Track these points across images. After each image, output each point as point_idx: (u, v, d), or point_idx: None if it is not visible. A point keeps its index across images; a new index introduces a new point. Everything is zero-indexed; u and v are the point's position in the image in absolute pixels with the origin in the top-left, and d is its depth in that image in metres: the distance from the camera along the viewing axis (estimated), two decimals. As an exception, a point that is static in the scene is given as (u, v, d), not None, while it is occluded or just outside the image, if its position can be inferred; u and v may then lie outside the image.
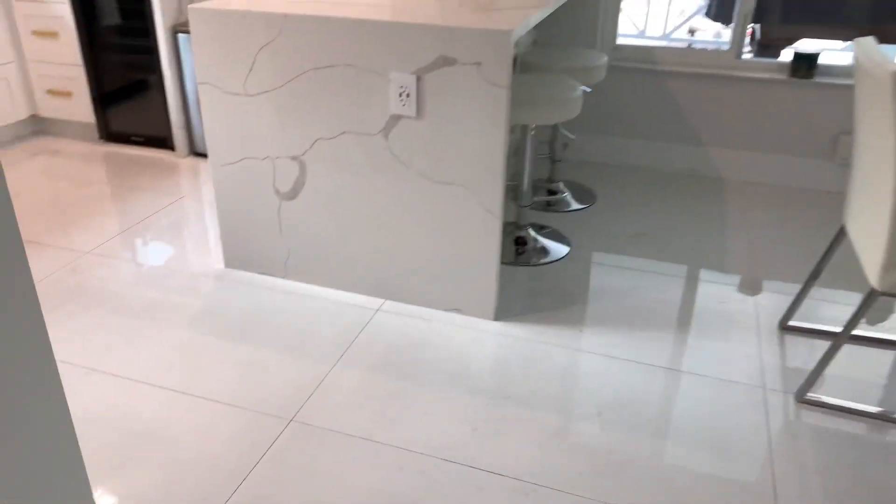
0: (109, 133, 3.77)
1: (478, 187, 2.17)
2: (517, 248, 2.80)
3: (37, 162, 3.59)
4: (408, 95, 2.12)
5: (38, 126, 3.99)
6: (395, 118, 2.17)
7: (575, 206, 3.21)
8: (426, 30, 2.03)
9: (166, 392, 1.98)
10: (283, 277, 2.55)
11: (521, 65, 3.02)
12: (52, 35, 3.59)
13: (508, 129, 2.11)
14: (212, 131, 2.39)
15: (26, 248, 2.72)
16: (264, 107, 2.29)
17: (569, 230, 2.96)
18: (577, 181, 3.45)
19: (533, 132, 2.65)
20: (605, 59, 2.99)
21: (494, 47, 1.99)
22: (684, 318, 2.37)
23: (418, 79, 2.09)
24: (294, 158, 2.34)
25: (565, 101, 2.43)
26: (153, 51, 3.46)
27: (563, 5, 3.39)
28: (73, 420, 1.86)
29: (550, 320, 2.34)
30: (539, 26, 3.44)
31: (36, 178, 3.38)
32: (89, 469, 1.71)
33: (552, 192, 3.28)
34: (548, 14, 2.43)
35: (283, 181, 2.39)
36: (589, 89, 3.28)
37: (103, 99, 3.68)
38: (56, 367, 0.96)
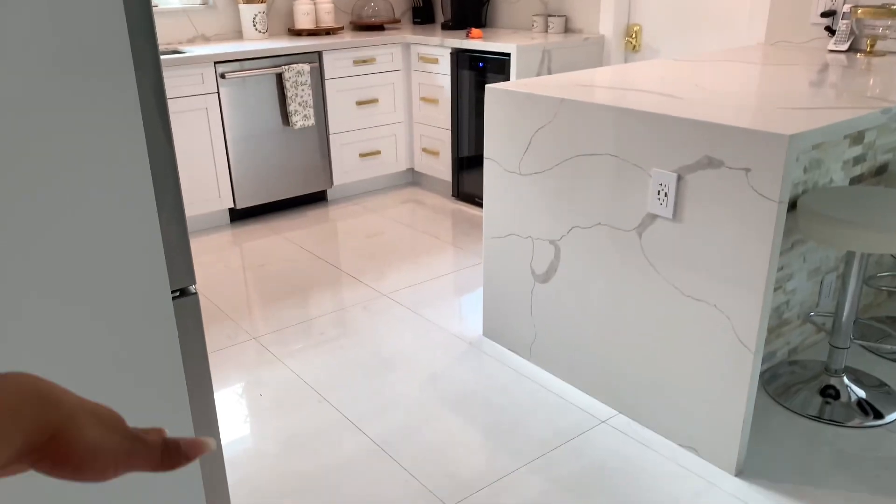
0: (461, 192, 4.15)
1: (732, 311, 1.80)
2: (824, 400, 2.23)
3: (404, 208, 4.13)
4: (666, 195, 1.87)
5: (412, 178, 4.60)
6: (651, 217, 1.93)
7: (945, 363, 2.43)
8: (692, 126, 1.77)
9: (367, 441, 2.07)
10: (528, 359, 2.47)
11: (889, 178, 2.43)
12: (434, 102, 4.12)
13: (777, 250, 1.71)
14: (489, 205, 2.45)
15: (348, 282, 3.14)
16: (533, 188, 2.27)
17: (905, 393, 2.25)
18: (955, 332, 2.60)
19: (861, 259, 2.09)
20: None
21: (767, 153, 1.64)
22: None
23: (679, 178, 1.84)
24: (551, 242, 2.26)
25: (903, 227, 1.87)
26: (505, 122, 3.71)
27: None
28: (277, 438, 2.08)
29: (820, 503, 1.80)
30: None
31: (398, 222, 3.89)
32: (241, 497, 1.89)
33: (911, 339, 2.54)
34: (880, 122, 1.90)
35: (539, 263, 2.32)
36: None
37: (460, 162, 4.08)
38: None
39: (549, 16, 3.95)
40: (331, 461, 1.99)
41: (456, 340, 2.62)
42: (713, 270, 1.82)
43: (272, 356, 2.53)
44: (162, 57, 3.38)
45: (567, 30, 3.97)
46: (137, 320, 1.16)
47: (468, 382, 2.35)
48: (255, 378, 2.41)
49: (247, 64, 3.65)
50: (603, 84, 2.28)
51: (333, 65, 3.95)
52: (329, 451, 2.04)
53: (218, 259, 3.41)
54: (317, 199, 4.25)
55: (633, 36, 3.72)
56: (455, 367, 2.44)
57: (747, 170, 1.69)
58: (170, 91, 3.44)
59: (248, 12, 4.04)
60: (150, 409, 1.20)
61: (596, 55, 3.82)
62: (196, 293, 1.31)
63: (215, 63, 3.55)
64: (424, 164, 4.35)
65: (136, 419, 1.18)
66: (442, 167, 4.21)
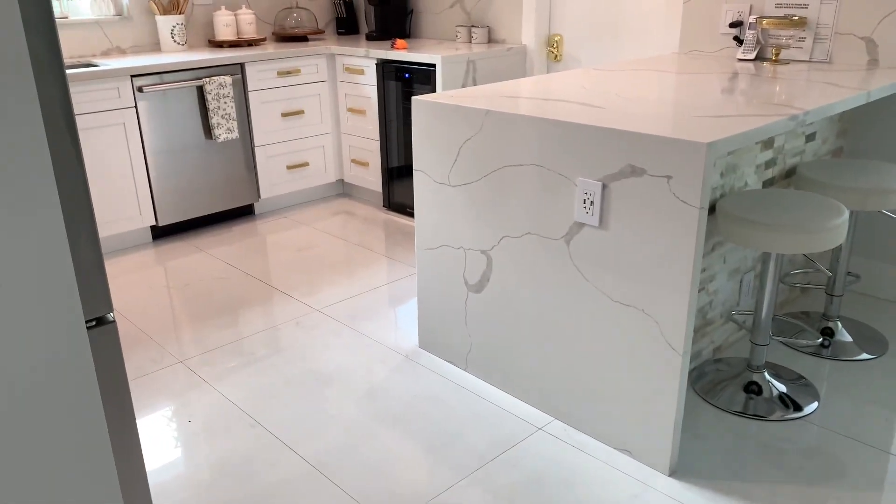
0: (392, 203, 4.13)
1: (659, 315, 1.85)
2: (747, 396, 2.31)
3: (335, 220, 4.08)
4: (591, 203, 1.91)
5: (342, 189, 4.56)
6: (578, 225, 1.97)
7: (858, 354, 2.55)
8: (615, 135, 1.82)
9: (303, 464, 2.03)
10: (464, 370, 2.47)
11: (797, 180, 2.54)
12: (361, 112, 4.09)
13: (700, 254, 1.76)
14: (420, 216, 2.45)
15: (279, 298, 3.08)
16: (463, 198, 2.27)
17: (834, 383, 2.36)
18: (865, 322, 2.75)
19: (776, 259, 2.18)
20: (912, 179, 2.36)
21: (686, 161, 1.69)
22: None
23: (604, 186, 1.88)
24: (483, 252, 2.27)
25: (815, 229, 1.96)
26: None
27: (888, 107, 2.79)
28: (209, 465, 2.01)
29: (750, 496, 1.86)
30: (849, 134, 2.87)
31: (329, 235, 3.83)
32: (203, 517, 1.82)
33: (827, 333, 2.66)
34: (793, 125, 2.00)
35: (471, 273, 2.33)
36: (893, 215, 2.62)
37: (390, 172, 4.06)
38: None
39: (473, 26, 3.98)
40: (265, 486, 1.94)
41: (392, 354, 2.60)
42: (640, 276, 1.86)
43: (200, 379, 2.45)
44: (75, 70, 3.24)
45: (490, 40, 4.02)
46: (49, 355, 1.09)
47: (405, 396, 2.34)
48: (183, 403, 2.32)
49: (166, 77, 3.54)
50: (527, 95, 2.31)
51: (256, 76, 3.88)
52: (263, 475, 1.98)
53: (140, 279, 3.29)
54: (244, 213, 4.15)
55: (555, 46, 3.80)
56: (392, 381, 2.42)
57: (669, 177, 1.74)
58: (84, 106, 3.30)
59: (165, 24, 3.93)
60: (68, 449, 1.14)
61: (519, 65, 3.88)
62: (114, 321, 1.26)
63: (132, 76, 3.43)
64: (354, 175, 4.31)
65: (51, 461, 1.11)
66: (372, 178, 4.19)
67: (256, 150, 3.98)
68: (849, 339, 2.62)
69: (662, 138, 1.72)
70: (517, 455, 2.04)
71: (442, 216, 2.37)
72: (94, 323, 1.25)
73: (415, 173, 2.41)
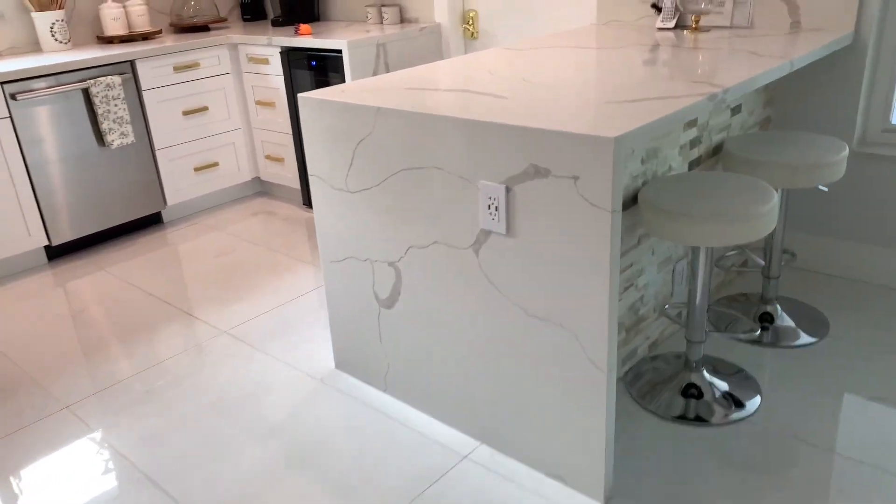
0: (311, 200, 3.87)
1: (579, 330, 1.66)
2: (686, 400, 2.14)
3: (253, 222, 3.80)
4: (496, 208, 1.70)
5: (260, 188, 4.27)
6: (486, 233, 1.76)
7: (800, 338, 2.42)
8: (514, 132, 1.60)
9: (197, 519, 1.80)
10: (384, 391, 2.26)
11: (725, 157, 2.37)
12: (271, 105, 3.80)
13: (617, 262, 1.57)
14: (321, 226, 2.21)
15: (182, 321, 2.81)
16: (363, 206, 2.04)
17: (776, 373, 2.21)
18: (804, 302, 2.62)
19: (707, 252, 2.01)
20: (844, 151, 2.21)
21: (593, 158, 1.49)
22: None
23: (508, 189, 1.67)
24: (390, 264, 2.05)
25: (743, 218, 1.79)
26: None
27: (814, 74, 2.63)
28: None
29: (683, 516, 1.70)
30: (776, 103, 2.71)
31: (245, 240, 3.55)
32: None
33: (766, 318, 2.51)
34: (712, 105, 1.81)
35: (381, 287, 2.11)
36: (825, 188, 2.48)
37: (306, 167, 3.79)
38: None
39: (383, 5, 3.71)
40: (153, 554, 1.71)
41: (305, 378, 2.37)
42: (554, 288, 1.67)
43: (85, 427, 2.19)
44: (-70, 82, 2.88)
45: (403, 20, 3.75)
46: None
47: (317, 429, 2.11)
48: (62, 461, 2.06)
49: (43, 81, 3.19)
50: (426, 85, 2.08)
51: (150, 73, 3.55)
52: (151, 541, 1.75)
53: (30, 308, 2.98)
54: (151, 222, 3.84)
55: (470, 22, 3.56)
56: (303, 412, 2.19)
57: (575, 177, 1.54)
58: (-53, 121, 2.94)
59: (43, 21, 3.56)
60: None
61: (434, 45, 3.63)
62: None
63: (2, 84, 3.07)
64: (271, 173, 4.03)
65: None
66: (289, 174, 3.91)
67: (158, 153, 3.66)
68: (789, 322, 2.48)
69: (564, 134, 1.52)
70: (439, 492, 1.84)
71: (344, 225, 2.13)
72: None
73: (310, 178, 2.17)
